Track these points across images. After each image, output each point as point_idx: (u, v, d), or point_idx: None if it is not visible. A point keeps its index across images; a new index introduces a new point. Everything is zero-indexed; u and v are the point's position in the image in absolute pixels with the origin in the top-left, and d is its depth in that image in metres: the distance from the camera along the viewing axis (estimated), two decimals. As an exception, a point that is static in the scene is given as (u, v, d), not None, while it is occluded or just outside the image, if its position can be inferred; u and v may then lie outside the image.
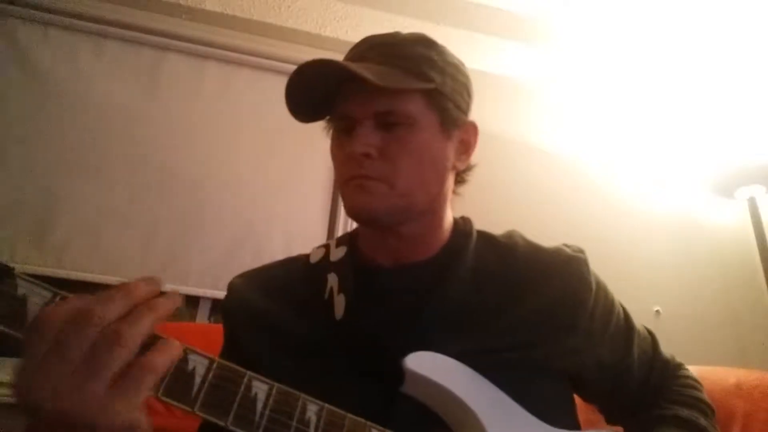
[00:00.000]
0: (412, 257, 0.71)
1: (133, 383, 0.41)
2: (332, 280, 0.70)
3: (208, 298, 1.63)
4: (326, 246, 0.78)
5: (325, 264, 0.74)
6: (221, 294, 1.36)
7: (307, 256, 0.78)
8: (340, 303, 0.67)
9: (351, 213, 0.67)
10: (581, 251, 0.75)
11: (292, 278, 0.75)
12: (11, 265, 0.44)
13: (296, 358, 0.64)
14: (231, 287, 0.76)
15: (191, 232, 1.63)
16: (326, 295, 0.69)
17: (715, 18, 1.79)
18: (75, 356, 0.39)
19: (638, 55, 1.96)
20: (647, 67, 1.99)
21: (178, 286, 1.58)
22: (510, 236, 0.77)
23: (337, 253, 0.74)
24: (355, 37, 0.73)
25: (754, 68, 1.90)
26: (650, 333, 0.81)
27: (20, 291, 0.43)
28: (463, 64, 0.73)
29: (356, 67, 0.61)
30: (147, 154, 1.67)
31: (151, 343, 0.43)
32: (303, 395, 0.50)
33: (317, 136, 0.76)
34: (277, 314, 0.70)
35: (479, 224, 0.79)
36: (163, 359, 0.42)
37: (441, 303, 0.67)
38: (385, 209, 0.64)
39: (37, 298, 0.43)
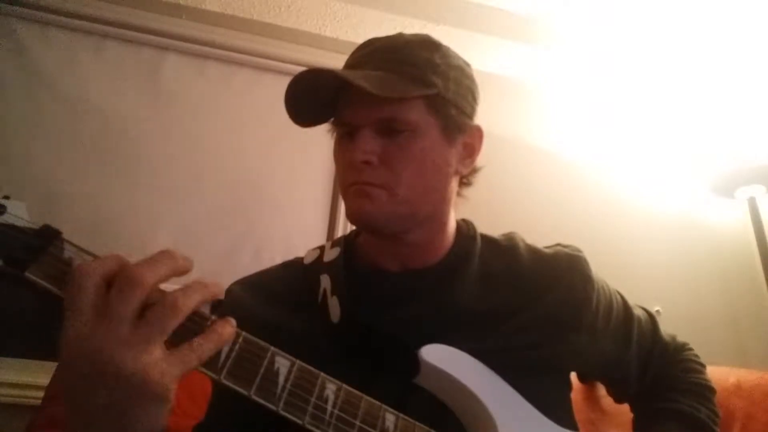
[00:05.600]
0: (419, 262, 0.71)
1: (187, 355, 0.43)
2: (325, 281, 0.70)
3: (208, 298, 1.63)
4: (321, 248, 0.78)
5: (318, 265, 0.74)
6: (221, 294, 1.35)
7: (302, 259, 0.79)
8: (334, 305, 0.67)
9: (351, 218, 0.67)
10: (579, 250, 0.76)
11: (289, 282, 0.75)
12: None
13: (297, 357, 0.64)
14: (228, 294, 0.75)
15: (191, 232, 1.63)
16: (320, 297, 0.69)
17: (715, 18, 1.79)
18: (125, 318, 0.41)
19: (638, 55, 1.96)
20: (647, 67, 1.99)
21: (179, 286, 1.58)
22: (511, 239, 0.77)
23: (331, 255, 0.74)
24: (355, 37, 0.73)
25: (754, 68, 1.90)
26: (650, 315, 0.82)
27: (66, 254, 0.45)
28: (468, 66, 0.72)
29: (354, 76, 0.61)
30: (146, 155, 1.67)
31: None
32: (322, 374, 0.51)
33: (317, 137, 0.76)
34: (275, 318, 0.69)
35: (478, 224, 0.79)
36: (214, 342, 0.45)
37: (450, 307, 0.67)
38: (385, 216, 0.64)
39: (81, 261, 0.45)
